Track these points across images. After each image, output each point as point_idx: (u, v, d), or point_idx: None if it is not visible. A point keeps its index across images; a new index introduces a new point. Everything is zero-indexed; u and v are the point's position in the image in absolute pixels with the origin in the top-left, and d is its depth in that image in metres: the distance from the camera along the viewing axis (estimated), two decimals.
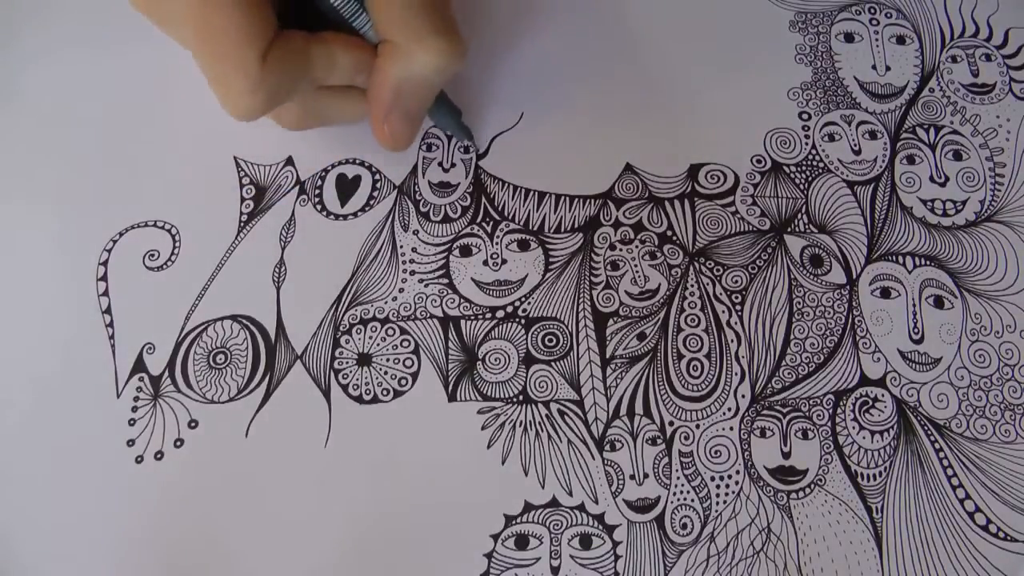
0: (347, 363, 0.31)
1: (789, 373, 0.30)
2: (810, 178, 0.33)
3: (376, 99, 0.28)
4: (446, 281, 0.32)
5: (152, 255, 0.32)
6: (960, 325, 0.31)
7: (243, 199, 0.33)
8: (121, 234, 0.32)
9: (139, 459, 0.29)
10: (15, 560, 0.28)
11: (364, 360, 0.31)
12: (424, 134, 0.34)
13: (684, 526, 0.28)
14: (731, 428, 0.30)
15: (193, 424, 0.30)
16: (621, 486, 0.29)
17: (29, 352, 0.31)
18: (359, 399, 0.30)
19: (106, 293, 0.32)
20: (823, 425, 0.30)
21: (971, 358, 0.31)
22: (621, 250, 0.32)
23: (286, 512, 0.29)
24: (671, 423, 0.30)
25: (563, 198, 0.33)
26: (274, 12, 0.25)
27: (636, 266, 0.32)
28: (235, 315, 0.31)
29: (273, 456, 0.29)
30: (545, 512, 0.29)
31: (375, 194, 0.33)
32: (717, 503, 0.29)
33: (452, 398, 0.30)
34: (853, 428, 0.30)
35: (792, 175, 0.33)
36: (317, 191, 0.33)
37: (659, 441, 0.29)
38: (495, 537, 0.28)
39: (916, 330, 0.31)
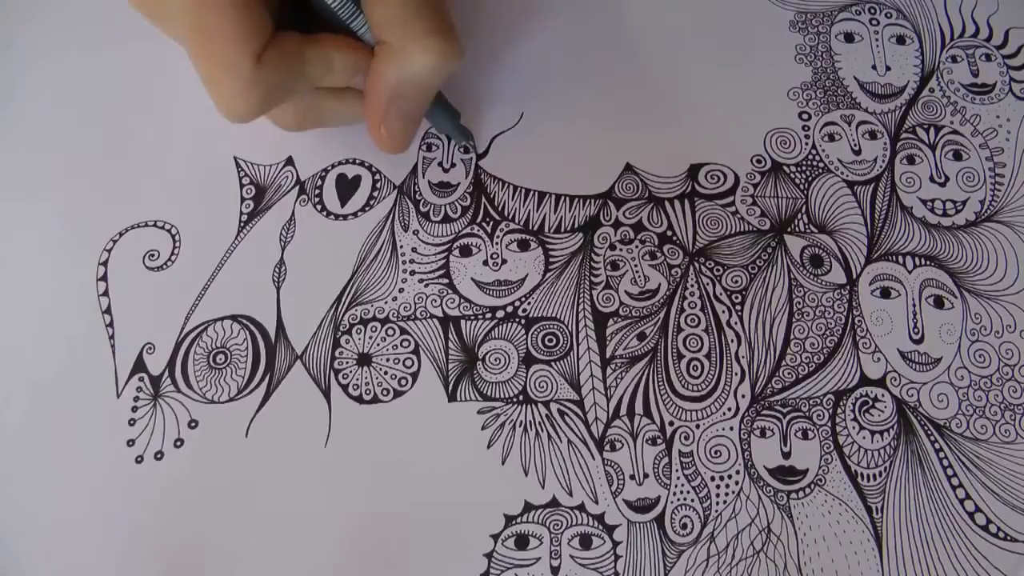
0: (347, 363, 0.31)
1: (789, 373, 0.30)
2: (810, 178, 0.33)
3: (372, 101, 0.28)
4: (446, 281, 0.32)
5: (152, 255, 0.32)
6: (960, 325, 0.31)
7: (243, 199, 0.33)
8: (121, 234, 0.32)
9: (139, 459, 0.29)
10: (15, 560, 0.28)
11: (364, 360, 0.31)
12: (424, 134, 0.34)
13: (684, 526, 0.28)
14: (731, 428, 0.30)
15: (193, 424, 0.30)
16: (621, 486, 0.29)
17: (29, 352, 0.31)
18: (359, 399, 0.30)
19: (106, 293, 0.32)
20: (823, 425, 0.30)
21: (971, 358, 0.31)
22: (621, 250, 0.32)
23: (286, 512, 0.29)
24: (671, 423, 0.30)
25: (563, 198, 0.33)
26: (269, 14, 0.25)
27: (636, 266, 0.32)
28: (235, 315, 0.31)
29: (273, 456, 0.29)
30: (545, 512, 0.29)
31: (375, 194, 0.33)
32: (717, 503, 0.29)
33: (452, 398, 0.30)
34: (853, 428, 0.30)
35: (792, 175, 0.33)
36: (317, 191, 0.33)
37: (659, 441, 0.29)
38: (495, 537, 0.28)
39: (916, 330, 0.31)
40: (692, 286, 0.31)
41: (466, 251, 0.32)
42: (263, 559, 0.28)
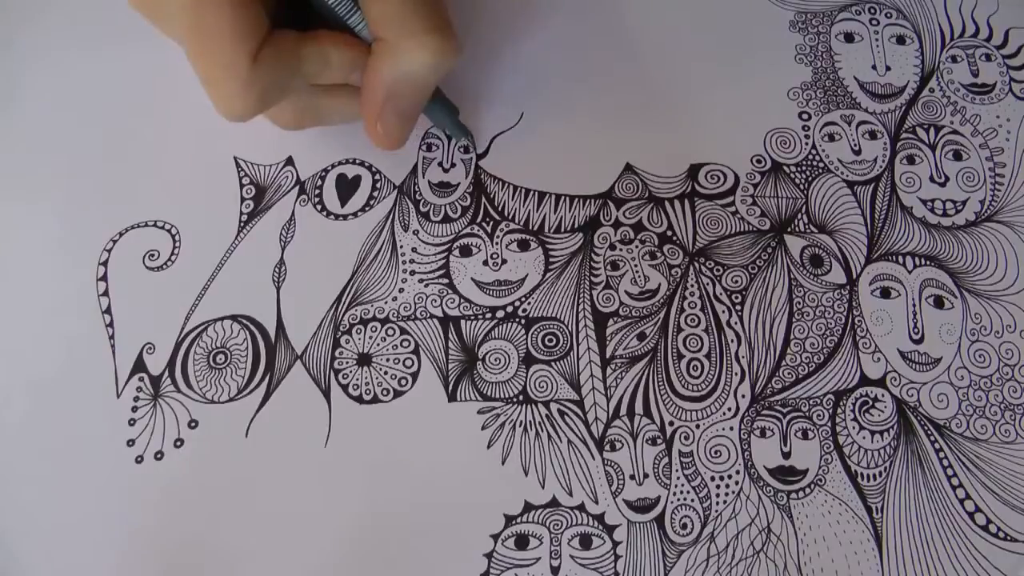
0: (347, 363, 0.31)
1: (789, 373, 0.30)
2: (810, 178, 0.33)
3: (368, 98, 0.28)
4: (446, 281, 0.32)
5: (152, 255, 0.32)
6: (960, 325, 0.31)
7: (243, 199, 0.33)
8: (121, 234, 0.32)
9: (139, 459, 0.29)
10: (15, 560, 0.28)
11: (364, 360, 0.31)
12: (424, 134, 0.34)
13: (684, 526, 0.28)
14: (731, 428, 0.30)
15: (193, 424, 0.30)
16: (621, 486, 0.29)
17: (29, 352, 0.31)
18: (359, 399, 0.30)
19: (106, 293, 0.32)
20: (823, 425, 0.30)
21: (971, 358, 0.31)
22: (621, 250, 0.32)
23: (286, 512, 0.29)
24: (671, 423, 0.30)
25: (563, 198, 0.33)
26: (266, 12, 0.25)
27: (636, 266, 0.32)
28: (235, 315, 0.31)
29: (273, 456, 0.29)
30: (545, 512, 0.29)
31: (375, 194, 0.33)
32: (717, 503, 0.29)
33: (452, 398, 0.30)
34: (853, 428, 0.30)
35: (792, 175, 0.33)
36: (317, 191, 0.33)
37: (659, 441, 0.29)
38: (495, 537, 0.28)
39: (916, 330, 0.31)
40: (692, 286, 0.31)
41: (466, 251, 0.32)
42: (263, 559, 0.28)
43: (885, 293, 0.31)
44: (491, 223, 0.32)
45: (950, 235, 0.32)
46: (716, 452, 0.29)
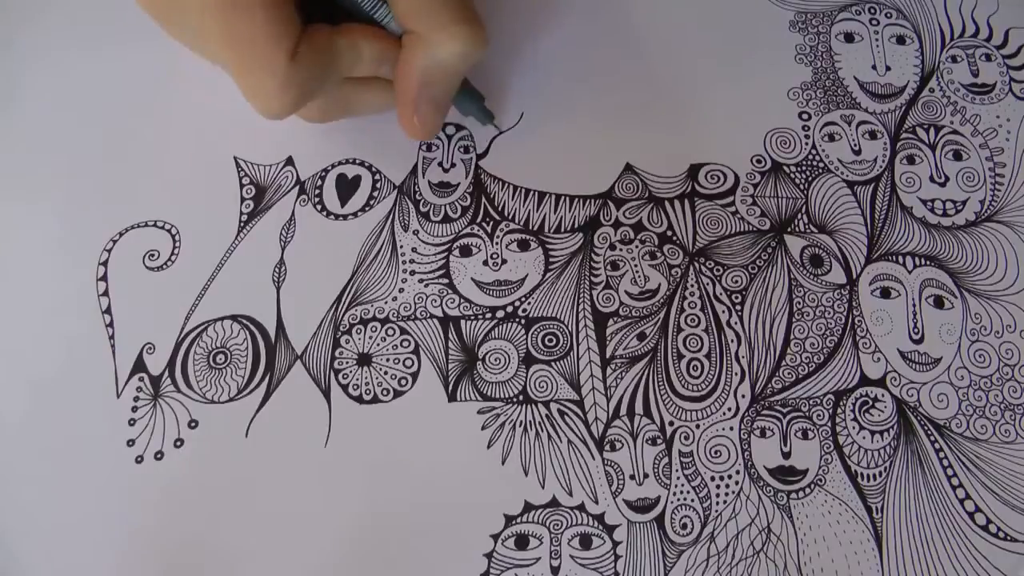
0: (347, 363, 0.31)
1: (789, 373, 0.30)
2: (810, 178, 0.33)
3: (403, 89, 0.29)
4: (446, 281, 0.32)
5: (152, 255, 0.32)
6: (960, 325, 0.31)
7: (243, 199, 0.33)
8: (121, 234, 0.32)
9: (139, 459, 0.29)
10: (15, 560, 0.28)
11: (364, 360, 0.31)
12: None
13: (684, 526, 0.28)
14: (731, 428, 0.30)
15: (193, 424, 0.30)
16: (621, 486, 0.29)
17: (29, 352, 0.31)
18: (359, 399, 0.30)
19: (106, 293, 0.32)
20: (823, 425, 0.30)
21: (971, 358, 0.31)
22: (621, 250, 0.32)
23: (286, 512, 0.29)
24: (671, 423, 0.30)
25: (563, 198, 0.33)
26: (297, 9, 0.25)
27: (636, 266, 0.32)
28: (235, 315, 0.31)
29: (273, 456, 0.29)
30: (545, 512, 0.29)
31: (375, 194, 0.33)
32: (717, 503, 0.29)
33: (452, 398, 0.30)
34: (853, 428, 0.30)
35: (792, 175, 0.33)
36: (317, 191, 0.33)
37: (659, 441, 0.29)
38: (495, 537, 0.28)
39: (916, 330, 0.31)
40: (692, 286, 0.31)
41: (466, 251, 0.32)
42: (263, 559, 0.28)
43: (885, 293, 0.31)
44: (491, 223, 0.32)
45: (950, 235, 0.32)
46: (716, 452, 0.29)
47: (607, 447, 0.29)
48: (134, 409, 0.30)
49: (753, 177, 0.33)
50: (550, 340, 0.31)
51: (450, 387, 0.30)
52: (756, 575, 0.28)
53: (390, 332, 0.31)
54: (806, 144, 0.34)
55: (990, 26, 0.36)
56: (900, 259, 0.32)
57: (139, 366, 0.31)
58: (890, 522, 0.28)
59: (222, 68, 0.26)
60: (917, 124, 0.34)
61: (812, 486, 0.29)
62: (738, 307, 0.31)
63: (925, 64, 0.35)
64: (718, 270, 0.32)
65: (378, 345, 0.31)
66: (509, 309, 0.31)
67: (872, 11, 0.36)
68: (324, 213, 0.33)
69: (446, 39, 0.27)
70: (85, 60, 0.35)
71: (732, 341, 0.31)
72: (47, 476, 0.29)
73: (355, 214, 0.33)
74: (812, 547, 0.28)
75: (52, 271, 0.32)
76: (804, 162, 0.33)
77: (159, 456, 0.29)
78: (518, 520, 0.29)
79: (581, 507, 0.29)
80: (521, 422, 0.30)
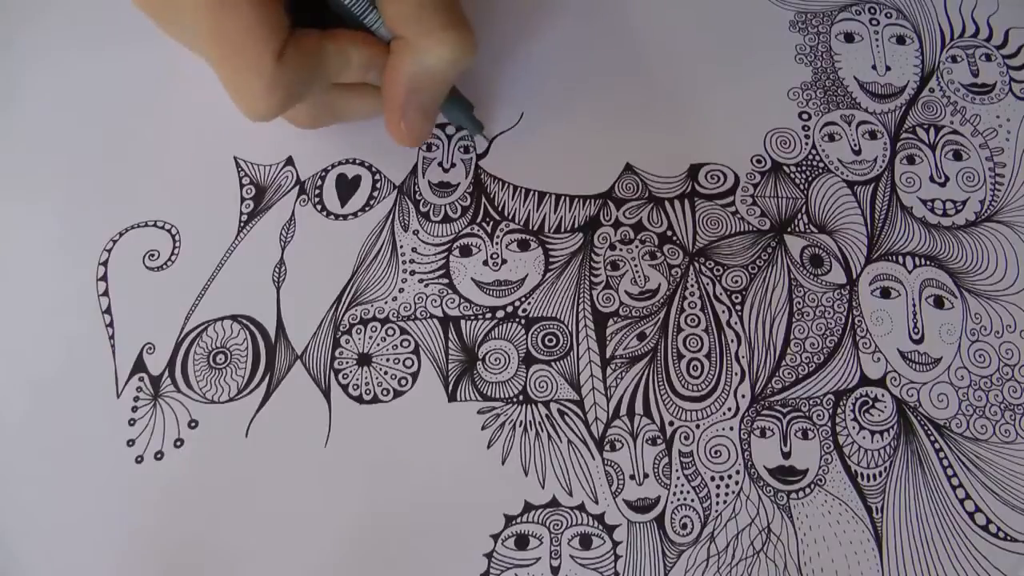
0: (347, 363, 0.31)
1: (789, 373, 0.30)
2: (810, 178, 0.33)
3: (391, 95, 0.29)
4: (446, 281, 0.32)
5: (152, 255, 0.32)
6: (960, 325, 0.31)
7: (243, 199, 0.33)
8: (121, 234, 0.32)
9: (139, 459, 0.29)
10: (15, 560, 0.28)
11: (364, 360, 0.31)
12: None
13: (684, 526, 0.28)
14: (731, 428, 0.30)
15: (193, 424, 0.30)
16: (621, 486, 0.29)
17: (29, 352, 0.31)
18: (359, 399, 0.30)
19: (106, 293, 0.32)
20: (823, 425, 0.30)
21: (971, 358, 0.31)
22: (621, 250, 0.32)
23: (286, 512, 0.29)
24: (671, 423, 0.30)
25: (563, 198, 0.33)
26: (286, 12, 0.25)
27: (636, 266, 0.32)
28: (235, 315, 0.31)
29: (273, 456, 0.29)
30: (545, 512, 0.29)
31: (375, 194, 0.33)
32: (717, 503, 0.29)
33: (452, 398, 0.30)
34: (853, 428, 0.30)
35: (792, 175, 0.33)
36: (317, 191, 0.33)
37: (659, 441, 0.29)
38: (495, 537, 0.28)
39: (916, 330, 0.31)
40: (692, 286, 0.31)
41: (466, 251, 0.32)
42: (263, 559, 0.28)
43: (885, 293, 0.31)
44: (491, 223, 0.32)
45: (950, 235, 0.32)
46: (716, 452, 0.29)
47: (607, 447, 0.29)
48: (134, 409, 0.30)
49: (753, 177, 0.33)
50: (550, 340, 0.31)
51: (450, 387, 0.30)
52: (756, 575, 0.28)
53: (390, 332, 0.31)
54: (806, 144, 0.34)
55: (990, 26, 0.36)
56: (900, 259, 0.32)
57: (139, 366, 0.31)
58: (890, 522, 0.28)
59: (212, 67, 0.26)
60: (917, 124, 0.34)
61: (812, 486, 0.29)
62: (738, 307, 0.31)
63: (925, 64, 0.35)
64: (718, 270, 0.32)
65: (378, 345, 0.31)
66: (509, 309, 0.31)
67: (872, 11, 0.36)
68: (324, 213, 0.33)
69: (434, 45, 0.27)
70: (85, 60, 0.35)
71: (732, 341, 0.31)
72: (47, 476, 0.29)
73: (355, 214, 0.33)
74: (812, 547, 0.28)
75: (52, 271, 0.32)
76: (804, 162, 0.33)
77: (159, 456, 0.29)
78: (518, 520, 0.29)
79: (581, 507, 0.29)
80: (521, 422, 0.30)
